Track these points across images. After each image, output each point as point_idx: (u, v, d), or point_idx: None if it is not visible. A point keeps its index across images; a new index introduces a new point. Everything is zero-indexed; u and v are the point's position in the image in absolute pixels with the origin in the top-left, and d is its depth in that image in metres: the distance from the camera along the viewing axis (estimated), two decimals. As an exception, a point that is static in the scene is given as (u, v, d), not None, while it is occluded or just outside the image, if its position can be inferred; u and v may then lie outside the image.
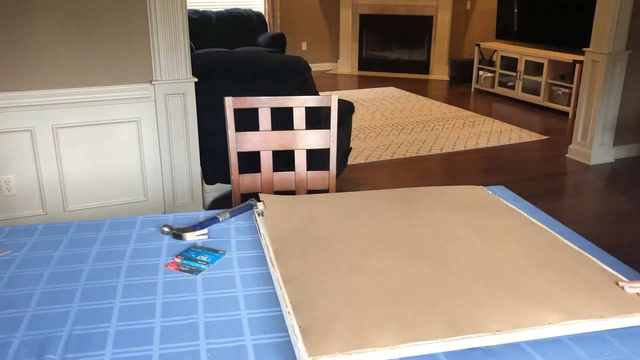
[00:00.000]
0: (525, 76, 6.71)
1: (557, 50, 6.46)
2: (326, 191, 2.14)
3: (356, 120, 5.96)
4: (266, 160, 2.13)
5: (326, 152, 2.16)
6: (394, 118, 6.16)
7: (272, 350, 1.08)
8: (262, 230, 1.55)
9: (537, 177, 4.44)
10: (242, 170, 2.12)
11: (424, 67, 8.49)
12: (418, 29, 8.42)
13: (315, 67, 8.53)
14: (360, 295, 1.21)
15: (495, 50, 7.24)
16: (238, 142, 2.09)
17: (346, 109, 3.74)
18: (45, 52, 2.94)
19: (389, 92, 7.48)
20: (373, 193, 1.86)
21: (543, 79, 6.47)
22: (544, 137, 5.47)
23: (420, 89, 7.65)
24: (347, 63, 8.82)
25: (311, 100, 2.13)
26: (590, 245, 1.52)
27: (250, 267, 1.41)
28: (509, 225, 1.59)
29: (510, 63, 6.95)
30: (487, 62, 7.39)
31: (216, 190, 4.05)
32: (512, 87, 6.93)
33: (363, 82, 8.09)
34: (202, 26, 7.52)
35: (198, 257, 1.45)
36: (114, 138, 3.18)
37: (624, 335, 1.13)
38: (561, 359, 1.07)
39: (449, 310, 1.15)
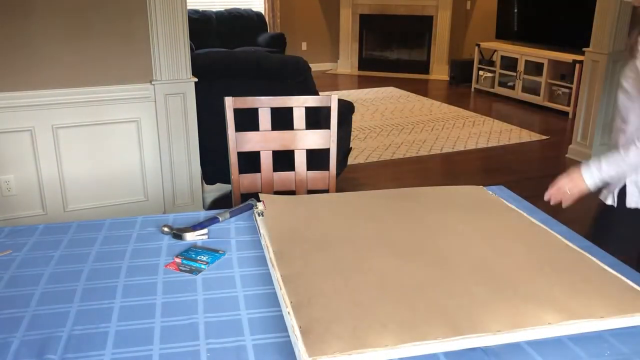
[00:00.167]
0: (525, 76, 6.71)
1: (557, 50, 6.46)
2: (326, 191, 2.14)
3: (356, 120, 5.96)
4: (266, 160, 2.13)
5: (326, 152, 2.16)
6: (394, 118, 6.16)
7: (272, 350, 1.08)
8: (262, 230, 1.55)
9: (537, 177, 4.44)
10: (242, 170, 2.12)
11: (424, 67, 8.49)
12: (418, 29, 8.42)
13: (315, 67, 8.51)
14: (360, 295, 1.21)
15: (495, 50, 7.24)
16: (238, 142, 2.09)
17: (346, 109, 3.74)
18: (45, 52, 2.94)
19: (389, 92, 7.48)
20: (373, 193, 1.86)
21: (543, 79, 6.47)
22: (544, 137, 5.47)
23: (420, 89, 7.65)
24: (347, 63, 8.82)
25: (311, 100, 2.13)
26: (590, 245, 1.52)
27: (250, 267, 1.41)
28: (509, 225, 1.59)
29: (510, 63, 6.95)
30: (487, 62, 7.39)
31: (216, 190, 4.05)
32: (512, 87, 6.93)
33: (363, 82, 8.09)
34: (202, 26, 7.51)
35: (198, 257, 1.45)
36: (114, 138, 3.18)
37: (624, 335, 1.13)
38: (561, 359, 1.07)
39: (449, 310, 1.15)
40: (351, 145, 4.31)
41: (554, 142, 5.33)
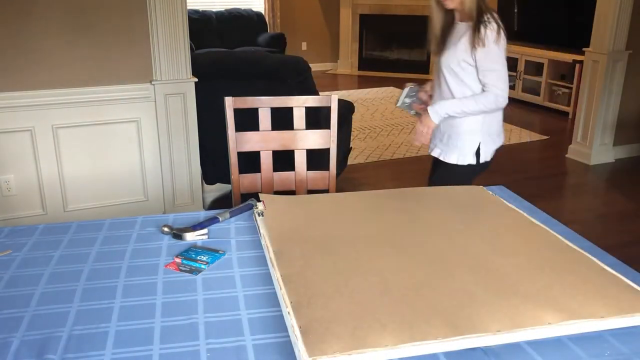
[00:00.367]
0: (525, 76, 6.71)
1: (557, 50, 6.45)
2: (326, 191, 2.14)
3: (356, 120, 5.96)
4: (266, 160, 2.13)
5: (326, 152, 2.16)
6: (394, 118, 6.16)
7: (272, 350, 1.08)
8: (262, 230, 1.55)
9: (537, 177, 4.44)
10: (242, 170, 2.12)
11: (424, 67, 8.49)
12: (418, 29, 8.38)
13: (315, 67, 8.51)
14: (360, 295, 1.21)
15: (495, 50, 7.23)
16: (238, 142, 2.09)
17: (346, 109, 3.74)
18: (46, 52, 2.94)
19: (389, 92, 7.48)
20: (373, 193, 1.86)
21: (543, 79, 6.47)
22: (544, 137, 5.47)
23: (420, 89, 7.64)
24: (347, 63, 8.81)
25: (311, 100, 2.13)
26: (590, 245, 1.52)
27: (250, 267, 1.41)
28: (509, 225, 1.59)
29: (510, 63, 6.92)
30: (487, 62, 7.38)
31: (216, 190, 4.05)
32: (512, 87, 6.93)
33: (363, 82, 8.09)
34: (202, 26, 7.51)
35: (198, 257, 1.45)
36: (114, 138, 3.18)
37: (624, 335, 1.13)
38: (561, 359, 1.07)
39: (449, 310, 1.15)
40: (351, 145, 4.31)
41: (554, 142, 5.33)
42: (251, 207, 1.73)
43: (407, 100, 2.42)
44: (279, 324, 1.16)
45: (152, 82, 3.15)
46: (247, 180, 2.13)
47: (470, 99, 2.20)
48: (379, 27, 8.58)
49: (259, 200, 1.73)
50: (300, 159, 2.15)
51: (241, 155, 2.10)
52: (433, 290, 1.23)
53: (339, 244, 1.45)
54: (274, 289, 1.29)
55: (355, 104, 4.25)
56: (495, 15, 2.15)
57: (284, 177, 2.16)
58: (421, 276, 1.29)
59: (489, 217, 1.64)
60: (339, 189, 2.15)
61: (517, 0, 7.12)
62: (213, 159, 3.52)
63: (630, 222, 3.62)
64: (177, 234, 1.56)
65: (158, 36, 3.09)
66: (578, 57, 5.82)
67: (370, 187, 4.10)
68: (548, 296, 1.20)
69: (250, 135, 2.10)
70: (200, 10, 7.79)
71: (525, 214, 1.66)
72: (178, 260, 1.44)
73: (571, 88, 6.15)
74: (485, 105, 2.19)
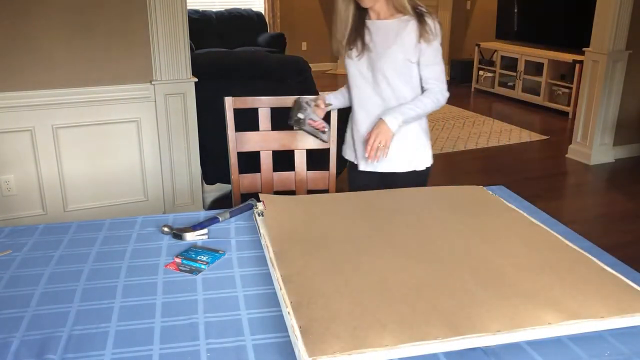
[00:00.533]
0: (525, 76, 6.71)
1: (557, 50, 6.46)
2: (326, 191, 2.14)
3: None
4: (266, 160, 2.13)
5: (326, 152, 2.16)
6: (394, 118, 6.16)
7: (272, 350, 1.08)
8: (262, 230, 1.55)
9: (537, 177, 4.44)
10: (242, 170, 2.12)
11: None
12: (418, 29, 8.40)
13: (315, 67, 8.50)
14: (360, 295, 1.21)
15: (495, 50, 7.25)
16: (238, 142, 2.09)
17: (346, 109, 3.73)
18: (45, 52, 2.94)
19: (389, 92, 7.47)
20: (373, 193, 1.86)
21: (543, 79, 6.47)
22: (544, 137, 5.47)
23: (420, 89, 7.64)
24: (347, 63, 8.80)
25: (311, 100, 2.13)
26: (590, 245, 1.52)
27: (250, 267, 1.41)
28: (509, 225, 1.59)
29: (510, 63, 6.95)
30: (487, 62, 7.39)
31: (216, 190, 4.04)
32: (512, 87, 6.93)
33: (363, 82, 8.08)
34: (202, 26, 7.51)
35: (198, 257, 1.45)
36: (113, 138, 3.18)
37: (624, 335, 1.13)
38: (561, 359, 1.07)
39: (449, 310, 1.15)
40: (351, 145, 4.31)
41: (554, 142, 5.33)
42: (251, 207, 1.73)
43: (301, 116, 2.02)
44: (279, 324, 1.16)
45: (152, 82, 3.15)
46: (247, 180, 2.13)
47: (425, 98, 1.99)
48: (379, 27, 8.57)
49: (259, 200, 1.73)
50: (300, 159, 2.15)
51: (241, 155, 2.10)
52: (433, 290, 1.23)
53: (339, 244, 1.45)
54: (274, 289, 1.29)
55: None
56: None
57: (284, 177, 2.16)
58: (421, 276, 1.29)
59: (489, 217, 1.64)
60: (339, 189, 2.15)
61: (517, 0, 7.12)
62: (213, 159, 3.52)
63: (630, 222, 3.62)
64: (177, 234, 1.56)
65: (158, 36, 3.09)
66: (578, 57, 5.83)
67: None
68: (548, 296, 1.20)
69: (250, 135, 2.10)
70: (200, 10, 7.79)
71: (525, 214, 1.66)
72: (178, 260, 1.44)
73: (571, 88, 6.16)
74: (439, 101, 2.01)
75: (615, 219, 3.68)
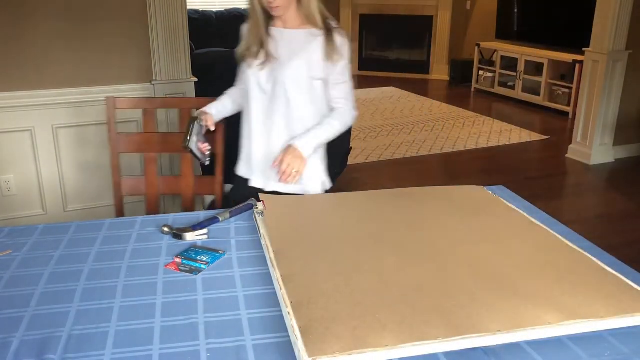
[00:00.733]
0: (525, 76, 6.71)
1: (557, 50, 6.45)
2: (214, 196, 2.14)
3: (356, 120, 5.96)
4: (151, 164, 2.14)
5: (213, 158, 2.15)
6: (394, 118, 6.16)
7: (272, 350, 1.08)
8: (262, 230, 1.55)
9: (537, 177, 4.44)
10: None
11: (424, 67, 8.49)
12: (418, 29, 8.41)
13: (315, 67, 8.51)
14: (360, 295, 1.21)
15: (495, 50, 7.24)
16: (120, 142, 2.11)
17: (346, 109, 3.73)
18: (45, 52, 2.93)
19: (389, 92, 7.48)
20: (373, 193, 1.86)
21: (543, 79, 6.47)
22: (544, 137, 5.47)
23: (420, 89, 7.65)
24: (347, 63, 8.80)
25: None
26: (590, 245, 1.52)
27: (250, 267, 1.41)
28: (509, 225, 1.59)
29: (510, 63, 6.95)
30: (487, 62, 7.39)
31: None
32: (512, 87, 6.93)
33: (363, 82, 8.09)
34: (202, 26, 7.51)
35: (198, 257, 1.45)
36: (114, 138, 3.17)
37: (624, 335, 1.13)
38: (561, 359, 1.07)
39: (449, 310, 1.15)
40: (351, 145, 4.31)
41: (554, 142, 5.33)
42: (251, 207, 1.73)
43: (195, 139, 1.83)
44: (279, 324, 1.16)
45: (152, 82, 3.15)
46: (129, 183, 2.15)
47: (333, 120, 1.89)
48: (379, 27, 8.58)
49: (259, 200, 1.73)
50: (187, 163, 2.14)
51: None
52: (433, 290, 1.23)
53: (339, 244, 1.45)
54: (274, 289, 1.29)
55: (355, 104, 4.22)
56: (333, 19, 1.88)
57: (169, 181, 2.17)
58: (421, 276, 1.29)
59: (489, 217, 1.64)
60: (339, 189, 2.15)
61: (517, 0, 7.12)
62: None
63: (630, 222, 3.62)
64: (177, 234, 1.56)
65: (158, 36, 3.09)
66: (578, 57, 5.82)
67: (370, 187, 4.10)
68: (548, 296, 1.20)
69: (132, 137, 2.10)
70: (200, 10, 7.79)
71: (525, 214, 1.66)
72: (178, 260, 1.44)
73: (571, 88, 6.15)
74: (347, 124, 1.93)
75: (615, 219, 3.68)
